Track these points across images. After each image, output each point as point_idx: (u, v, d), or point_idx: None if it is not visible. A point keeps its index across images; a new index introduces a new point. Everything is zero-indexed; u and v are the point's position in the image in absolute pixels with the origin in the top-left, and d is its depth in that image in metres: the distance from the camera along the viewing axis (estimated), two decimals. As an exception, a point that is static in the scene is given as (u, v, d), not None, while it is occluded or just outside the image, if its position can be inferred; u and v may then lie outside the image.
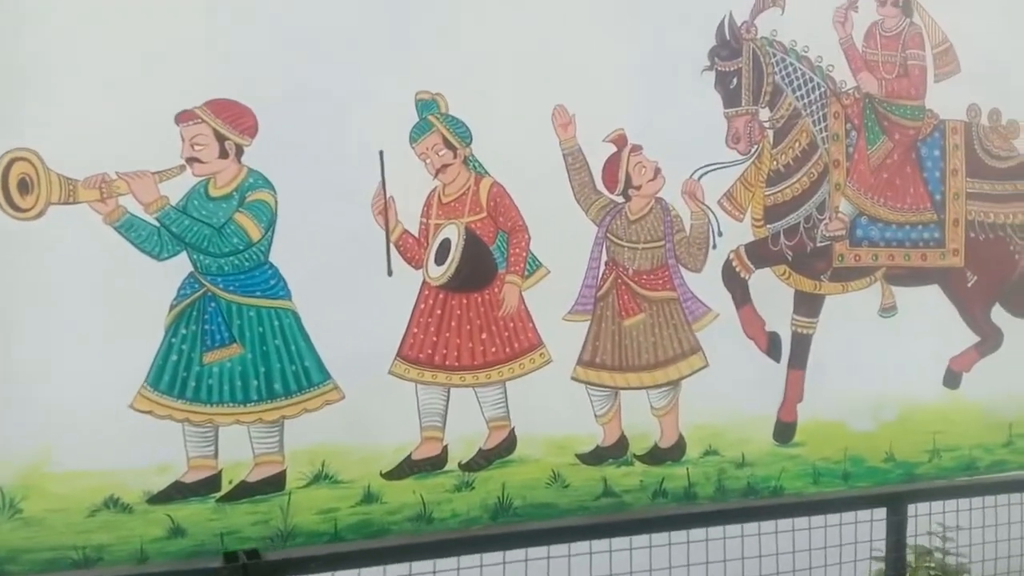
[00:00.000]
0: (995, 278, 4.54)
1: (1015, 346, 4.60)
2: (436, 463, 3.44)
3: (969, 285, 4.45)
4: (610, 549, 2.50)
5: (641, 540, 2.53)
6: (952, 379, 4.39)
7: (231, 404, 3.12)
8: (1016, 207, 4.56)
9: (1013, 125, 4.56)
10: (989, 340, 4.52)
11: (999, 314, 4.51)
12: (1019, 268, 4.59)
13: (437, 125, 3.41)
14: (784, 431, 3.99)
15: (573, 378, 3.59)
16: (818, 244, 4.07)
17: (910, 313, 4.29)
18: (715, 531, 2.67)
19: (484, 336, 3.48)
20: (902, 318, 4.30)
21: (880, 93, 4.15)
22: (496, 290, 3.45)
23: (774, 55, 3.97)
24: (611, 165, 3.66)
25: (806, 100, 4.06)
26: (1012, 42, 4.48)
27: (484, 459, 3.49)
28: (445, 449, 3.44)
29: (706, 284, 3.81)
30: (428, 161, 3.39)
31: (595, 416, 3.65)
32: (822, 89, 4.05)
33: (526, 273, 3.52)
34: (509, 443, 3.52)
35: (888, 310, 4.26)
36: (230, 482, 3.12)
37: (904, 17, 4.28)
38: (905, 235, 4.28)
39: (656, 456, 3.78)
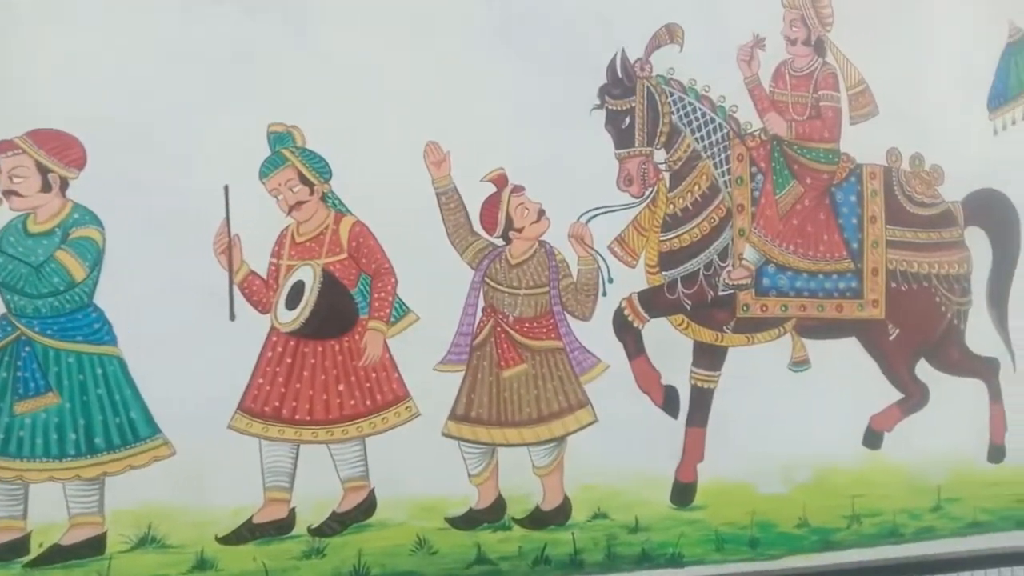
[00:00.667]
0: (919, 331, 4.21)
1: (942, 404, 4.27)
2: (282, 527, 3.08)
3: (891, 338, 4.14)
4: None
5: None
6: (873, 439, 4.01)
7: (44, 459, 2.75)
8: (942, 256, 4.27)
9: (937, 170, 4.30)
10: (913, 397, 4.18)
11: (924, 370, 4.28)
12: (945, 321, 4.32)
13: (292, 159, 3.12)
14: (683, 493, 3.61)
15: (444, 434, 3.24)
16: (720, 293, 3.74)
17: (825, 368, 3.94)
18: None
19: (342, 387, 3.14)
20: (816, 373, 3.96)
21: (789, 135, 3.84)
22: (357, 337, 3.12)
23: (671, 94, 3.69)
24: (490, 206, 3.36)
25: (707, 141, 3.79)
26: (934, 84, 4.19)
27: (338, 523, 3.11)
28: (292, 512, 3.09)
29: (596, 333, 3.47)
30: (280, 197, 3.13)
31: (468, 476, 3.27)
32: (725, 130, 3.75)
33: (392, 319, 3.24)
34: (367, 505, 3.14)
35: (800, 364, 3.93)
36: (40, 545, 2.77)
37: (816, 57, 4.03)
38: (818, 284, 3.94)
39: (538, 520, 3.39)
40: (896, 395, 4.07)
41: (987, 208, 4.29)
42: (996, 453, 4.33)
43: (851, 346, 4.01)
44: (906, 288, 4.09)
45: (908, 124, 4.13)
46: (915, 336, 4.14)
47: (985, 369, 4.29)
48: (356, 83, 3.12)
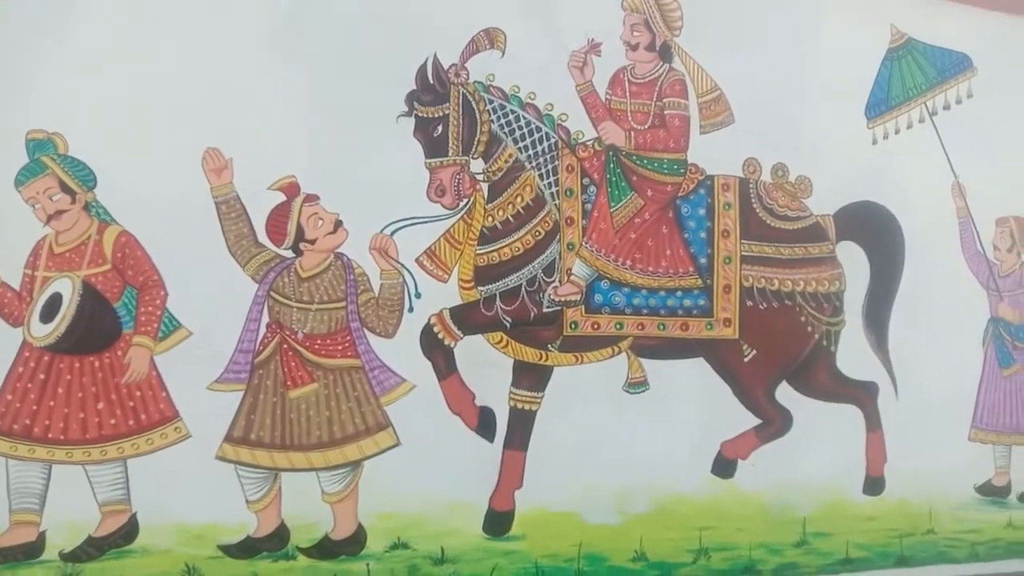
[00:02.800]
0: (780, 353, 3.69)
1: (812, 430, 3.79)
2: (29, 551, 2.77)
3: (746, 360, 3.69)
4: None
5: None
6: (724, 467, 3.49)
7: None
8: (809, 273, 3.79)
9: (803, 182, 3.84)
10: (773, 423, 3.64)
11: (788, 394, 3.84)
12: (812, 342, 3.88)
13: (52, 167, 2.80)
14: (497, 522, 3.12)
15: (219, 457, 2.82)
16: (545, 310, 3.33)
17: (670, 390, 3.42)
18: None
19: (101, 406, 2.72)
20: (658, 395, 3.47)
21: (628, 145, 3.36)
22: (120, 353, 2.75)
23: (490, 102, 3.24)
24: (278, 216, 2.93)
25: (531, 151, 3.33)
26: (807, 90, 3.69)
27: (94, 548, 2.70)
28: (42, 535, 2.80)
29: (402, 352, 3.08)
30: (38, 206, 2.82)
31: (247, 502, 2.84)
32: (552, 140, 3.28)
33: (161, 335, 2.87)
34: (128, 530, 2.73)
35: (636, 385, 3.44)
36: None
37: (662, 63, 3.57)
38: (660, 302, 3.46)
39: (326, 550, 2.94)
40: (754, 420, 3.68)
41: (863, 222, 3.77)
42: (874, 485, 3.80)
43: (700, 367, 3.62)
44: (765, 306, 3.64)
45: (772, 133, 3.62)
46: (775, 358, 3.67)
47: (861, 395, 3.74)
48: (123, 89, 2.85)
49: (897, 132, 3.87)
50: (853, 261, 3.75)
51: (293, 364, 2.94)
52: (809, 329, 3.65)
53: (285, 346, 2.94)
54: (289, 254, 2.97)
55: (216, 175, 2.88)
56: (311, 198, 2.98)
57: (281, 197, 2.96)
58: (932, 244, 3.91)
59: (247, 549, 2.87)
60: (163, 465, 2.79)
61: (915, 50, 3.93)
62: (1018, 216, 4.10)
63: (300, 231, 2.97)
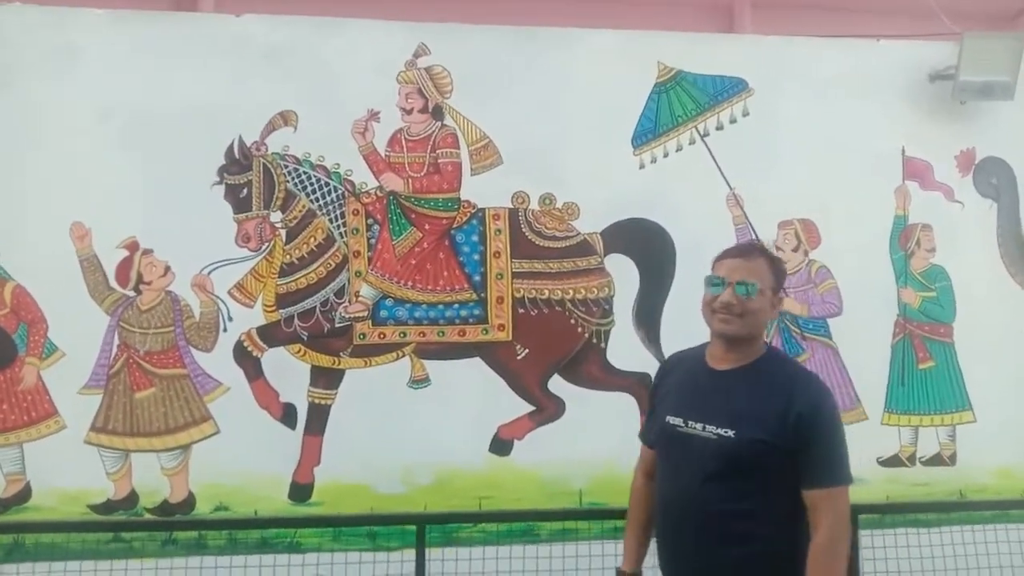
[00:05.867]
0: (550, 351, 4.03)
1: (587, 414, 4.17)
2: (-45, 511, 3.83)
3: (519, 358, 4.11)
4: None
5: None
6: (501, 446, 3.92)
7: None
8: (578, 283, 4.11)
9: (570, 207, 4.20)
10: (546, 410, 3.97)
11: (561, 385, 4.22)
12: (582, 341, 4.24)
13: None
14: (299, 491, 3.77)
15: (86, 441, 3.70)
16: (337, 324, 3.92)
17: (451, 384, 3.91)
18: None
19: (5, 406, 3.83)
20: (441, 389, 3.91)
21: (407, 190, 3.93)
22: (17, 370, 3.78)
23: (286, 166, 3.91)
24: (124, 266, 3.76)
25: (322, 202, 3.92)
26: (565, 129, 4.08)
27: (1, 506, 3.83)
28: (-35, 496, 3.84)
29: (219, 362, 3.81)
30: None
31: (106, 473, 3.73)
32: (339, 191, 3.91)
33: (44, 355, 3.85)
34: (24, 493, 3.79)
35: (419, 382, 3.90)
36: None
37: (434, 121, 4.08)
38: (439, 313, 3.95)
39: (166, 510, 3.78)
40: (528, 407, 4.11)
41: (629, 235, 4.07)
42: None
43: (479, 365, 4.11)
44: (536, 313, 4.09)
45: (540, 168, 4.03)
46: (546, 355, 4.07)
47: (633, 384, 4.07)
48: (19, 175, 3.78)
49: (666, 156, 4.18)
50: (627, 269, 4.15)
51: (137, 374, 3.81)
52: (579, 330, 4.07)
53: (131, 360, 3.82)
54: (132, 293, 3.86)
55: (79, 241, 3.81)
56: (147, 252, 3.85)
57: (125, 252, 3.86)
58: (710, 248, 4.15)
59: (108, 508, 3.76)
60: (47, 448, 3.74)
61: (684, 81, 4.22)
62: (803, 219, 4.27)
63: (139, 276, 3.85)
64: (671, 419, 2.06)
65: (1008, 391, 4.27)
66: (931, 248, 4.30)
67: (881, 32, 4.41)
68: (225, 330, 3.86)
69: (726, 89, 4.23)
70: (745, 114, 4.23)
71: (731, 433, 1.93)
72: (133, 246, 3.84)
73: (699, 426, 1.98)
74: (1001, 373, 4.27)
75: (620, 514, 3.73)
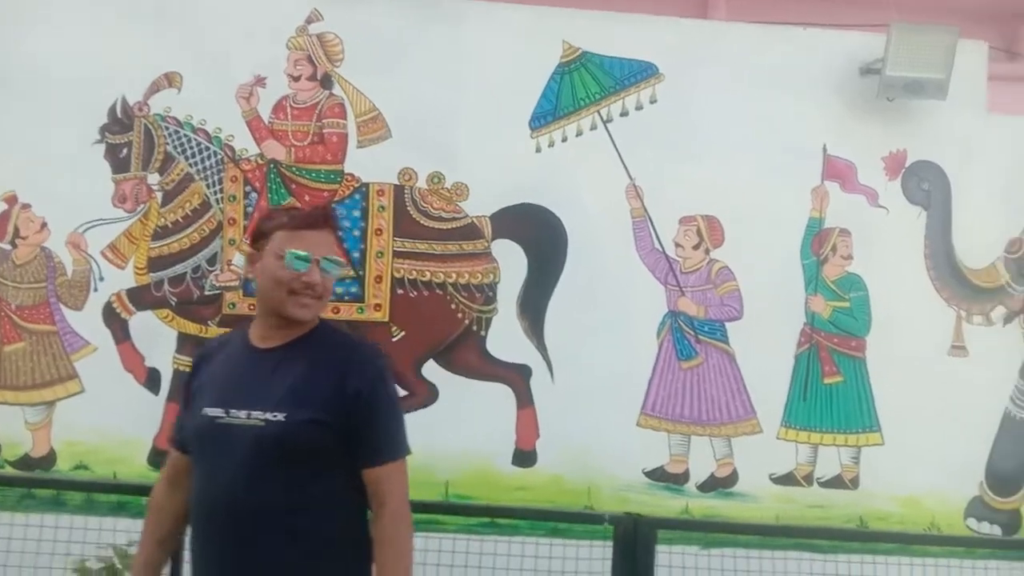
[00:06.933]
0: (428, 335, 3.89)
1: (461, 404, 3.95)
2: None
3: (394, 340, 3.94)
4: None
5: None
6: None
7: None
8: (462, 266, 3.91)
9: (460, 187, 3.98)
10: (418, 395, 3.81)
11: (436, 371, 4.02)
12: (462, 327, 4.03)
13: None
14: (159, 456, 3.60)
15: None
16: (207, 292, 3.78)
17: None
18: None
19: None
20: None
21: (288, 159, 3.77)
22: None
23: (167, 128, 3.78)
24: (1, 220, 3.68)
25: (200, 166, 3.80)
26: (459, 106, 3.86)
27: None
28: None
29: (88, 321, 3.74)
30: None
31: None
32: (218, 156, 3.78)
33: (-82, 303, 3.91)
34: None
35: None
36: None
37: (322, 90, 3.90)
38: None
39: (27, 463, 3.69)
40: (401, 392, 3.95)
41: (518, 222, 3.84)
42: (523, 458, 3.87)
43: None
44: (416, 295, 3.90)
45: (430, 145, 3.83)
46: (422, 339, 3.89)
47: (512, 375, 3.83)
48: None
49: (565, 140, 3.93)
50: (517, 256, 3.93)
51: (7, 327, 3.77)
52: (460, 315, 3.87)
53: (2, 314, 3.79)
54: (8, 247, 3.82)
55: (-41, 193, 3.80)
56: (25, 206, 3.81)
57: (3, 205, 3.81)
58: (605, 241, 3.91)
59: (-30, 458, 3.76)
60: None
61: (590, 62, 3.96)
62: (707, 215, 3.98)
63: (16, 230, 3.81)
64: (209, 411, 1.72)
65: (921, 414, 3.91)
66: (847, 255, 3.96)
67: (874, 21, 3.93)
68: (96, 290, 3.79)
69: (634, 73, 3.95)
70: (653, 101, 3.95)
71: (281, 416, 1.67)
72: (11, 200, 3.79)
73: (243, 414, 1.69)
74: (915, 394, 3.91)
75: (487, 510, 3.60)
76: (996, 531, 3.97)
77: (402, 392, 3.78)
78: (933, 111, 3.94)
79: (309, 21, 3.88)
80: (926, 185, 3.98)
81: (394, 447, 1.77)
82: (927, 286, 3.98)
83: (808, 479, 3.90)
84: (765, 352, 3.92)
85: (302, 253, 1.74)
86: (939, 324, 3.97)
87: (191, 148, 3.82)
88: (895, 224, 3.98)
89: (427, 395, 3.83)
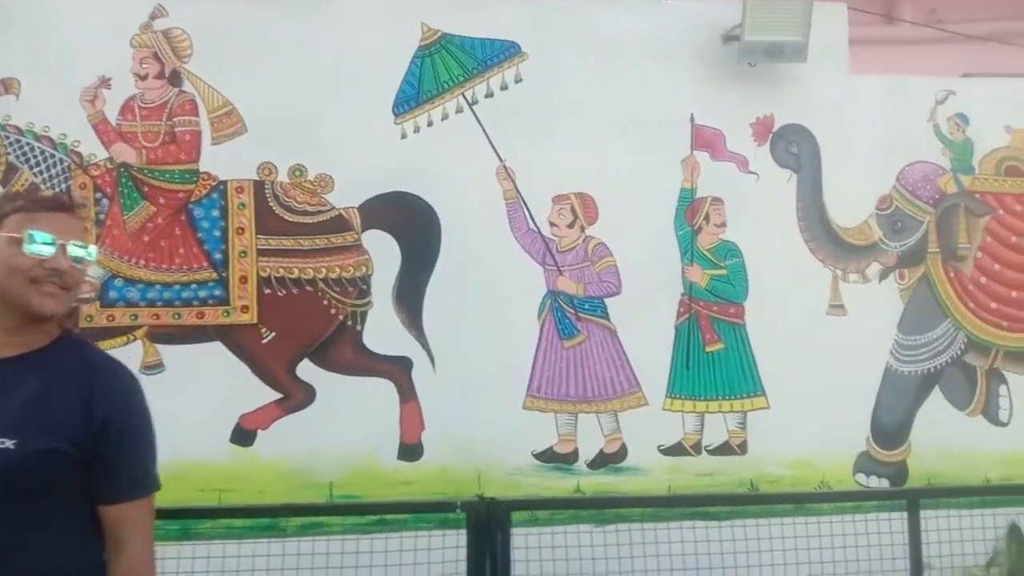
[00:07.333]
0: (300, 334, 3.74)
1: (339, 402, 3.86)
2: None
3: (264, 342, 3.79)
4: None
5: None
6: (243, 436, 3.60)
7: None
8: (332, 260, 3.77)
9: (324, 179, 3.85)
10: (294, 397, 3.67)
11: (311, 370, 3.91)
12: (336, 323, 3.93)
13: None
14: None
15: None
16: None
17: (188, 370, 3.60)
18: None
19: None
20: (177, 375, 3.65)
21: (140, 161, 3.59)
22: None
23: (7, 137, 3.54)
24: None
25: (46, 175, 3.56)
26: (318, 95, 3.73)
27: None
28: None
29: None
30: None
31: None
32: (65, 163, 3.57)
33: None
34: None
35: (152, 368, 3.57)
36: None
37: (171, 87, 3.73)
38: (175, 294, 3.60)
39: None
40: (276, 394, 3.82)
41: (388, 211, 3.72)
42: (409, 452, 3.78)
43: (218, 351, 3.81)
44: (284, 293, 3.76)
45: (290, 138, 3.69)
46: (294, 339, 3.73)
47: (391, 368, 3.73)
48: None
49: (431, 124, 3.84)
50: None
51: None
52: (333, 311, 3.75)
53: None
54: None
55: None
56: None
57: None
58: (479, 224, 3.83)
59: None
60: None
61: (451, 44, 3.86)
62: (580, 192, 3.93)
63: None
64: None
65: (804, 375, 3.92)
66: (721, 223, 3.95)
67: None
68: (-61, 312, 3.55)
69: (497, 53, 3.88)
70: (518, 80, 3.88)
71: (10, 444, 1.42)
72: None
73: None
74: (797, 356, 3.93)
75: (374, 508, 3.49)
76: (884, 484, 4.01)
77: (277, 395, 3.68)
78: (796, 74, 3.95)
79: (153, 17, 3.71)
80: (795, 148, 4.00)
81: (141, 482, 1.57)
82: (801, 248, 4.00)
83: (696, 448, 3.89)
84: (646, 325, 3.89)
85: (46, 235, 1.51)
86: (816, 285, 3.99)
87: (35, 157, 3.62)
88: (766, 189, 3.99)
89: (304, 396, 3.71)
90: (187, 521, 3.54)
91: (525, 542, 2.70)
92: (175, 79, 3.69)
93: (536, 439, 3.85)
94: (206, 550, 3.47)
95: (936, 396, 4.09)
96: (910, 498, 2.85)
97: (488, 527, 2.33)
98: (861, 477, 3.99)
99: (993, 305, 4.14)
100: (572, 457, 3.85)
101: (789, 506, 3.63)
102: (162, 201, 3.65)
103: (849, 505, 3.60)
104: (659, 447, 3.88)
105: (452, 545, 2.55)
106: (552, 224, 3.87)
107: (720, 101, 3.96)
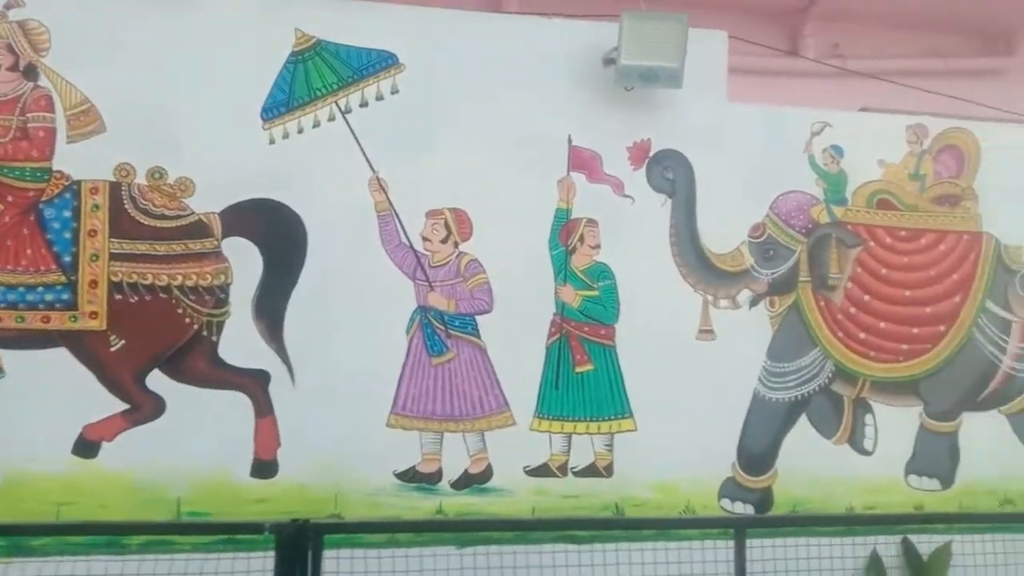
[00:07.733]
0: (150, 342, 3.59)
1: (189, 414, 3.68)
2: None
3: (113, 349, 3.66)
4: None
5: None
6: (86, 448, 3.42)
7: None
8: (189, 267, 3.64)
9: (184, 183, 3.74)
10: (143, 408, 3.49)
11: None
12: (191, 332, 3.79)
13: None
14: None
15: None
16: None
17: (30, 377, 3.39)
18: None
19: None
20: (17, 381, 3.38)
21: None
22: None
23: None
24: None
25: None
26: (174, 98, 3.60)
27: None
28: None
29: None
30: None
31: None
32: None
33: None
34: None
35: None
36: None
37: (26, 81, 3.55)
38: (19, 297, 3.39)
39: None
40: (123, 405, 3.67)
41: (251, 218, 3.59)
42: (264, 468, 3.63)
43: (62, 357, 3.64)
44: (137, 299, 3.59)
45: (150, 138, 3.54)
46: (145, 347, 3.57)
47: (247, 382, 3.56)
48: None
49: (301, 131, 3.74)
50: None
51: None
52: (187, 320, 3.60)
53: None
54: None
55: None
56: None
57: None
58: (349, 236, 3.72)
59: None
60: None
61: (325, 51, 3.77)
62: (455, 208, 3.87)
63: None
64: None
65: (673, 399, 3.91)
66: (595, 244, 3.93)
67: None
68: None
69: (373, 63, 3.80)
70: (394, 91, 3.82)
71: None
72: None
73: None
74: (666, 379, 3.92)
75: (224, 528, 3.34)
76: (749, 510, 4.02)
77: (123, 405, 3.52)
78: (674, 100, 3.97)
79: (8, 7, 3.54)
80: (670, 173, 4.01)
81: None
82: (673, 272, 4.00)
83: (563, 469, 3.85)
84: (517, 344, 3.84)
85: None
86: (687, 309, 4.00)
87: None
88: (641, 212, 3.99)
89: (153, 408, 3.56)
90: (19, 537, 3.35)
91: (337, 566, 2.59)
92: (30, 73, 3.53)
93: (399, 458, 3.75)
94: (38, 568, 3.32)
95: (803, 423, 4.12)
96: (737, 527, 2.83)
97: (297, 551, 2.22)
98: (726, 502, 4.00)
99: (862, 335, 4.20)
100: (436, 477, 3.76)
101: (654, 531, 3.61)
102: (10, 199, 3.48)
103: (715, 531, 3.57)
104: (525, 468, 3.82)
105: (258, 569, 2.43)
106: (425, 239, 3.80)
107: (598, 123, 3.96)
